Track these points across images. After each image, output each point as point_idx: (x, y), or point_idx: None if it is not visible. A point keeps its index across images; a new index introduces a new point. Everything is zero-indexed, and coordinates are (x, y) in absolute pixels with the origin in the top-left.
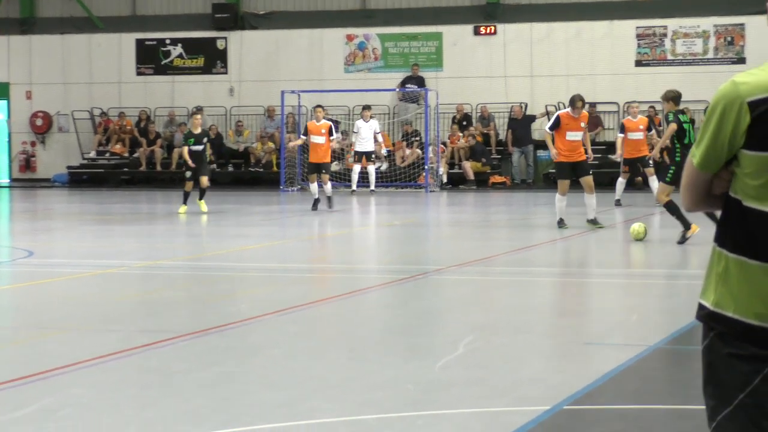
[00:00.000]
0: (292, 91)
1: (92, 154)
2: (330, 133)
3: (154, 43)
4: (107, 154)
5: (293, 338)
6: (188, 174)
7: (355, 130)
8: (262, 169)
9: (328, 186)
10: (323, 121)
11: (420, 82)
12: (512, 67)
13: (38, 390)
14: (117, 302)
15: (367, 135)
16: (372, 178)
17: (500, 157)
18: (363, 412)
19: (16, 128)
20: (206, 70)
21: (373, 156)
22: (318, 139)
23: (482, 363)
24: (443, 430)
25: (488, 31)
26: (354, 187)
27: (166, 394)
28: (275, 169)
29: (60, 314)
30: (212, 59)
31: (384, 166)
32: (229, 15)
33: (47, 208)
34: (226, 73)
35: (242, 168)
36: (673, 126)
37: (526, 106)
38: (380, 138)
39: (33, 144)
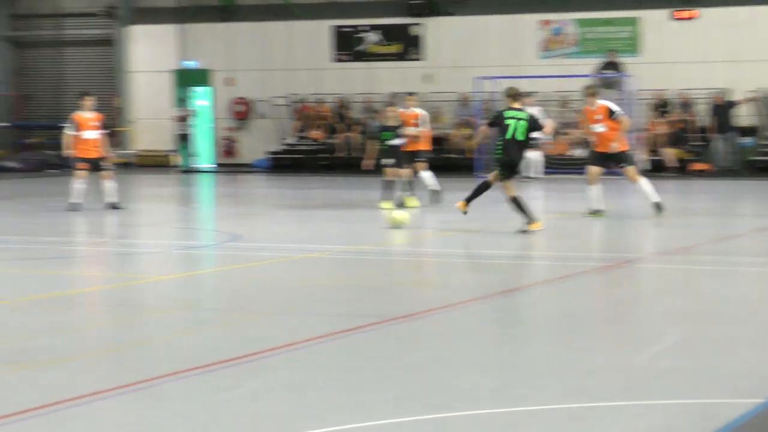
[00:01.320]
0: (487, 78)
1: (291, 140)
2: (418, 124)
3: (351, 29)
4: (306, 140)
5: (499, 324)
6: (389, 161)
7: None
8: (459, 156)
9: (425, 175)
10: (412, 110)
11: (618, 67)
12: (712, 52)
13: (247, 372)
14: (320, 286)
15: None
16: (538, 165)
17: (702, 143)
18: (571, 401)
19: (218, 114)
20: (402, 56)
21: (538, 142)
22: (408, 130)
23: (693, 353)
24: (655, 420)
25: (688, 16)
26: (541, 174)
27: (374, 378)
28: (469, 155)
29: (265, 297)
30: (408, 46)
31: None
32: (424, 1)
33: (249, 193)
34: (421, 59)
35: (438, 154)
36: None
37: (728, 91)
38: (547, 123)
39: (235, 130)
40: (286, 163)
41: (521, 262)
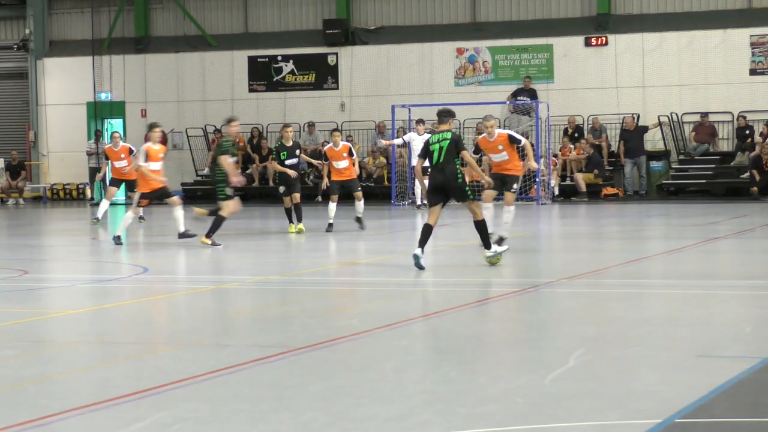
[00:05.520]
0: (402, 106)
1: (206, 171)
2: (351, 154)
3: (266, 59)
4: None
5: (404, 352)
6: (281, 189)
7: (407, 139)
8: (373, 184)
9: (361, 204)
10: (342, 144)
11: (532, 94)
12: (624, 78)
13: (151, 405)
14: (230, 317)
15: (418, 148)
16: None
17: (612, 168)
18: (474, 426)
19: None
20: (317, 85)
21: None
22: (341, 164)
23: (594, 376)
24: None
25: (599, 42)
26: (419, 201)
27: (278, 408)
28: (386, 183)
29: (174, 329)
30: (323, 75)
31: None
32: (339, 31)
33: (162, 225)
34: (337, 88)
35: None
36: None
37: (638, 116)
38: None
39: None
40: (201, 194)
41: (432, 289)
